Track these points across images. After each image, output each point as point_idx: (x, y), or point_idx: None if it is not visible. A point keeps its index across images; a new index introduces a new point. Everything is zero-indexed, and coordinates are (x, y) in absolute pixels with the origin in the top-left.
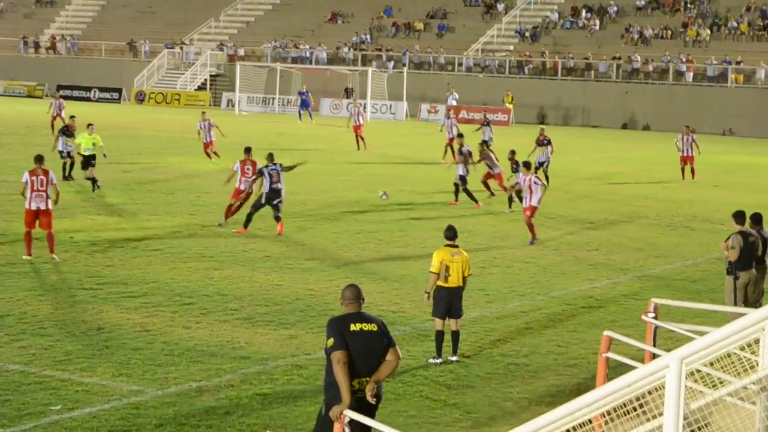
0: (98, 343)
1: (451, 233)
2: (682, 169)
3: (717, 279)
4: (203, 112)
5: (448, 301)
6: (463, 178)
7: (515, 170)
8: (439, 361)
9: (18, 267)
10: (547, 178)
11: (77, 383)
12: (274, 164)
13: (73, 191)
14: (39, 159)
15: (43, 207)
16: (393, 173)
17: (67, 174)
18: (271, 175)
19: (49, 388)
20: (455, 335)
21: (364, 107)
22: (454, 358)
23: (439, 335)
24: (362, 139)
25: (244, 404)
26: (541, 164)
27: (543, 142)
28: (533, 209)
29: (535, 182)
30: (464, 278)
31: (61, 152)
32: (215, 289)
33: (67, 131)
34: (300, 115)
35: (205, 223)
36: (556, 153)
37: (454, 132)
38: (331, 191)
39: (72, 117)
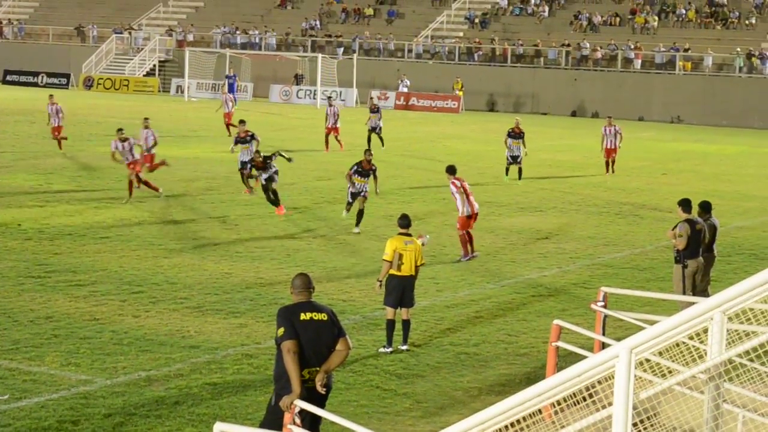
0: (46, 332)
1: (405, 222)
2: (606, 163)
3: (665, 267)
4: (51, 96)
5: (400, 290)
6: (245, 164)
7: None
8: (389, 350)
9: None
10: (520, 172)
11: (25, 372)
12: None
13: (20, 179)
14: None
15: None
16: (343, 160)
17: None
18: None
19: None
20: (406, 324)
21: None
22: (405, 347)
23: (390, 324)
24: (228, 126)
25: (194, 394)
26: (514, 159)
27: (518, 134)
28: (463, 221)
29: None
30: (417, 267)
31: None
32: (164, 277)
33: None
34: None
35: (154, 210)
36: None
37: (332, 121)
38: (279, 179)
39: None
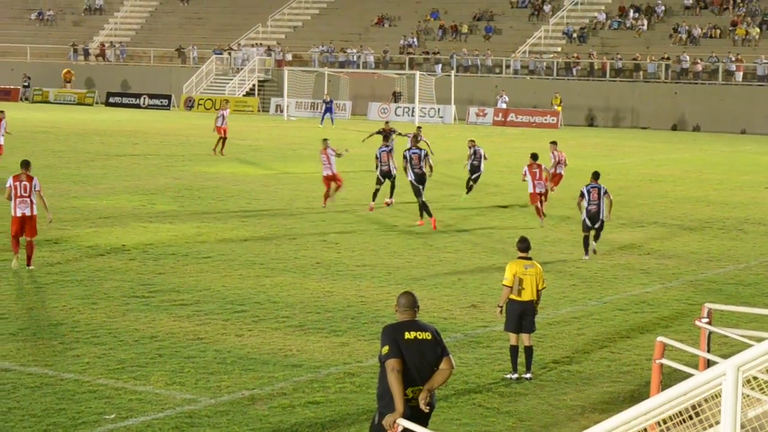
0: (151, 351)
1: (524, 245)
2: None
3: None
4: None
5: (520, 315)
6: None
7: None
8: (515, 376)
9: (71, 275)
10: (470, 188)
11: (131, 392)
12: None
13: (124, 200)
14: (25, 164)
15: (28, 213)
16: (443, 178)
17: None
18: (411, 158)
19: (102, 397)
20: (528, 351)
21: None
22: (528, 376)
23: (513, 350)
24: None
25: (297, 412)
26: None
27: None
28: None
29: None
30: (538, 292)
31: None
32: (266, 296)
33: None
34: (323, 119)
35: (256, 229)
36: (607, 156)
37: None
38: (380, 196)
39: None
